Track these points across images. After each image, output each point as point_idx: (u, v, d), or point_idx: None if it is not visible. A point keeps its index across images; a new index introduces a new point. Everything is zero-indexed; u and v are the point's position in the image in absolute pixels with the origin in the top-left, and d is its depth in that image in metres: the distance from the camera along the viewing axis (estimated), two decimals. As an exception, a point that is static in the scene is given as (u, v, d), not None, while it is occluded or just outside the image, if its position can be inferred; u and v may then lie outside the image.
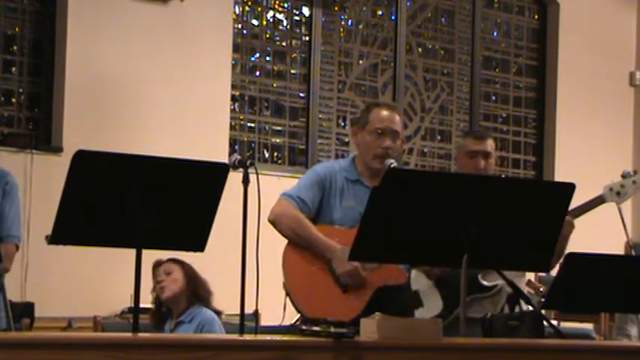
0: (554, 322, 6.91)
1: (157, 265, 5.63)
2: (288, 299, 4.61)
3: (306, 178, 4.77)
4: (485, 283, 4.73)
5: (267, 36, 9.62)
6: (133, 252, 3.81)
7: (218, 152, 8.34)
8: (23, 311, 7.11)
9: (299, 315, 4.58)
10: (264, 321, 4.98)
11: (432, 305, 4.69)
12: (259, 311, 4.31)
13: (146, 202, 3.78)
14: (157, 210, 3.82)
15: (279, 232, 4.64)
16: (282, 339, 3.69)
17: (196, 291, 5.64)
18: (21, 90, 8.37)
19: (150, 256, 3.98)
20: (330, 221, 4.67)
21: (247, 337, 3.90)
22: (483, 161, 5.01)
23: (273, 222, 4.62)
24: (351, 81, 10.02)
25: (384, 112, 4.81)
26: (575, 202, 4.34)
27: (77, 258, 7.42)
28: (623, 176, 4.97)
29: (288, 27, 9.72)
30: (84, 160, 3.72)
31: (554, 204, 4.08)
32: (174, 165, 3.96)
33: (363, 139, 4.78)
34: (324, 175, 4.74)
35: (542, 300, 6.25)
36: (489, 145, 5.06)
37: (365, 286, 4.56)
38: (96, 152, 3.82)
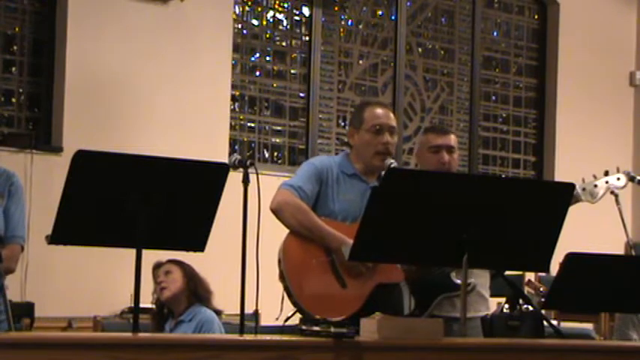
0: (554, 322, 6.90)
1: (157, 266, 5.64)
2: (285, 294, 4.57)
3: (304, 170, 4.73)
4: (457, 281, 4.69)
5: (267, 36, 9.62)
6: (133, 252, 3.81)
7: (218, 152, 8.34)
8: (23, 311, 7.11)
9: (296, 310, 4.55)
10: (264, 321, 4.98)
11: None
12: (259, 311, 4.30)
13: (146, 202, 3.78)
14: (156, 210, 3.83)
15: (282, 220, 4.58)
16: (282, 339, 3.70)
17: (196, 291, 5.65)
18: (21, 90, 8.37)
19: (150, 256, 3.98)
20: (328, 213, 4.65)
21: (247, 337, 3.90)
22: (447, 155, 4.90)
23: (275, 210, 4.56)
24: (351, 81, 10.03)
25: (379, 110, 4.79)
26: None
27: (77, 258, 7.42)
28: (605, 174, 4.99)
29: (288, 27, 9.72)
30: (84, 160, 3.73)
31: (554, 204, 4.08)
32: (174, 165, 3.96)
33: (362, 138, 4.76)
34: (321, 168, 4.72)
35: (542, 300, 6.25)
36: (452, 139, 4.96)
37: (364, 282, 4.55)
38: (96, 152, 3.82)
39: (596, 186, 4.93)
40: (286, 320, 4.59)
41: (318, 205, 4.67)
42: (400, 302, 4.59)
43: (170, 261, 5.65)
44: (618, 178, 4.97)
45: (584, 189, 4.91)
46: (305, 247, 4.55)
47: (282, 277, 4.53)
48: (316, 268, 4.54)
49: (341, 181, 4.72)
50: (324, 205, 4.67)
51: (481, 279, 4.79)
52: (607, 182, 4.94)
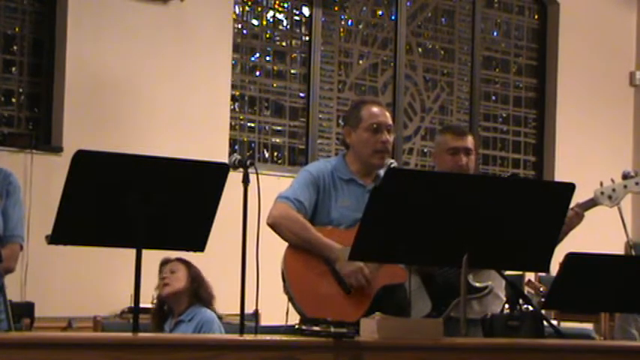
0: (554, 322, 6.90)
1: (164, 262, 5.63)
2: (290, 304, 4.58)
3: (300, 179, 4.73)
4: (475, 284, 4.71)
5: (267, 36, 9.62)
6: (133, 252, 3.81)
7: (218, 152, 8.34)
8: (23, 311, 7.11)
9: (302, 319, 4.56)
10: (264, 321, 4.98)
11: (420, 306, 4.65)
12: (259, 311, 4.30)
13: (146, 202, 3.78)
14: (157, 210, 3.82)
15: (279, 235, 4.61)
16: (282, 339, 3.69)
17: (198, 293, 5.63)
18: (21, 90, 8.37)
19: (150, 256, 3.97)
20: (327, 221, 4.65)
21: (247, 337, 3.90)
22: (465, 158, 4.90)
23: (272, 225, 4.57)
24: (351, 81, 10.03)
25: (375, 108, 4.78)
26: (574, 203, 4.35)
27: (77, 258, 7.42)
28: (624, 176, 4.98)
29: (288, 27, 9.72)
30: (84, 160, 3.73)
31: (554, 204, 4.08)
32: (174, 165, 3.96)
33: (359, 137, 4.75)
34: (317, 176, 4.71)
35: (542, 300, 6.25)
36: (470, 141, 4.95)
37: (368, 286, 4.55)
38: (96, 152, 3.82)
39: (614, 190, 4.92)
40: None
41: (316, 213, 4.68)
42: (405, 303, 4.59)
43: (178, 259, 5.64)
44: (637, 183, 4.95)
45: (602, 192, 4.91)
46: (305, 258, 4.57)
47: (286, 290, 4.55)
48: (319, 277, 4.55)
49: (338, 187, 4.72)
50: (322, 213, 4.68)
51: (497, 281, 4.79)
52: (626, 187, 4.93)
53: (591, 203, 4.90)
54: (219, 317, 5.68)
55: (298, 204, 4.62)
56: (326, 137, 9.80)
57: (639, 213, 10.86)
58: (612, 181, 4.96)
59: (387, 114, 4.80)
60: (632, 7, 11.59)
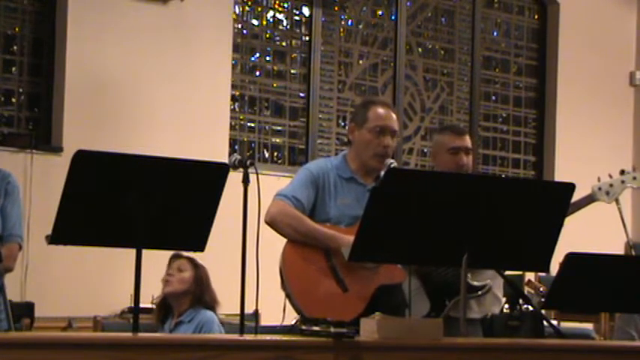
0: (554, 322, 6.90)
1: (176, 257, 5.60)
2: (287, 301, 4.58)
3: (300, 177, 4.73)
4: (474, 283, 4.72)
5: (267, 36, 9.62)
6: (133, 252, 3.81)
7: (218, 152, 8.34)
8: (23, 311, 7.11)
9: (299, 316, 4.56)
10: (264, 321, 4.98)
11: (418, 306, 4.65)
12: (259, 311, 4.31)
13: (146, 202, 3.78)
14: (156, 210, 3.83)
15: (278, 232, 4.61)
16: (282, 339, 3.70)
17: (202, 297, 5.60)
18: (21, 90, 8.37)
19: (150, 256, 3.98)
20: (325, 219, 4.65)
21: (247, 337, 3.90)
22: (465, 157, 4.93)
23: (270, 223, 4.58)
24: (351, 81, 10.03)
25: (383, 110, 4.78)
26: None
27: (77, 258, 7.42)
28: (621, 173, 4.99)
29: (288, 27, 9.72)
30: (84, 160, 3.73)
31: (554, 204, 4.08)
32: (174, 165, 3.96)
33: (362, 137, 4.76)
34: (317, 174, 4.72)
35: (542, 300, 6.25)
36: (468, 140, 5.00)
37: (366, 284, 4.55)
38: (96, 152, 3.83)
39: (612, 185, 4.93)
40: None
41: (315, 211, 4.68)
42: (403, 303, 4.59)
43: (188, 258, 5.61)
44: (634, 177, 4.96)
45: (599, 188, 4.91)
46: (304, 254, 4.57)
47: (283, 286, 4.55)
48: (317, 274, 4.55)
49: (338, 185, 4.72)
50: (321, 210, 4.68)
51: (496, 280, 4.80)
52: (623, 182, 4.94)
53: (589, 199, 4.91)
54: (221, 322, 5.67)
55: (296, 201, 4.62)
56: (326, 137, 9.80)
57: (639, 213, 10.87)
58: (610, 176, 4.96)
59: (394, 118, 4.79)
60: (632, 7, 11.59)
